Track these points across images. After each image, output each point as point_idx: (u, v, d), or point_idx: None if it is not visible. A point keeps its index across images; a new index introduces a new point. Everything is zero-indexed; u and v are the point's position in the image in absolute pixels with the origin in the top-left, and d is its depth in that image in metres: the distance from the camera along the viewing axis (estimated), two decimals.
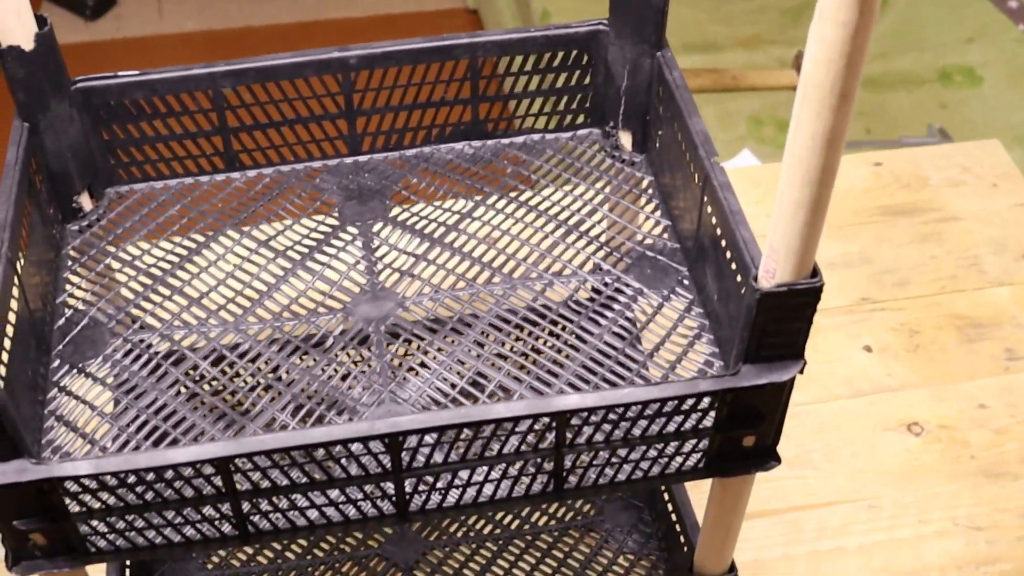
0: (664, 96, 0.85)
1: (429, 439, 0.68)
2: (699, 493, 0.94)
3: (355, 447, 0.68)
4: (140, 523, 0.69)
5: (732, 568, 0.86)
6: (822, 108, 0.56)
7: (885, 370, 1.14)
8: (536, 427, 0.69)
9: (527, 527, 1.03)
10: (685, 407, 0.70)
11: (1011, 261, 1.23)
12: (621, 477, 0.74)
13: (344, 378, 0.79)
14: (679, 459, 0.74)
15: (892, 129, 1.70)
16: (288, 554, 1.01)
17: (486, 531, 1.03)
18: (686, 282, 0.83)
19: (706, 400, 0.70)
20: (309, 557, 1.01)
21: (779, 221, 0.63)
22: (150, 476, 0.66)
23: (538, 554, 1.01)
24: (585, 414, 0.68)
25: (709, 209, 0.78)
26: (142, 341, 0.80)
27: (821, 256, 1.23)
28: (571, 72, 0.90)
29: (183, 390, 0.79)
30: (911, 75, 1.72)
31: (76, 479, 0.65)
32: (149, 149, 0.88)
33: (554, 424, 0.69)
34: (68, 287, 0.82)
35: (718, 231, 0.76)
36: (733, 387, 0.69)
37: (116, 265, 0.85)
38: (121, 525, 0.69)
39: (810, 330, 0.68)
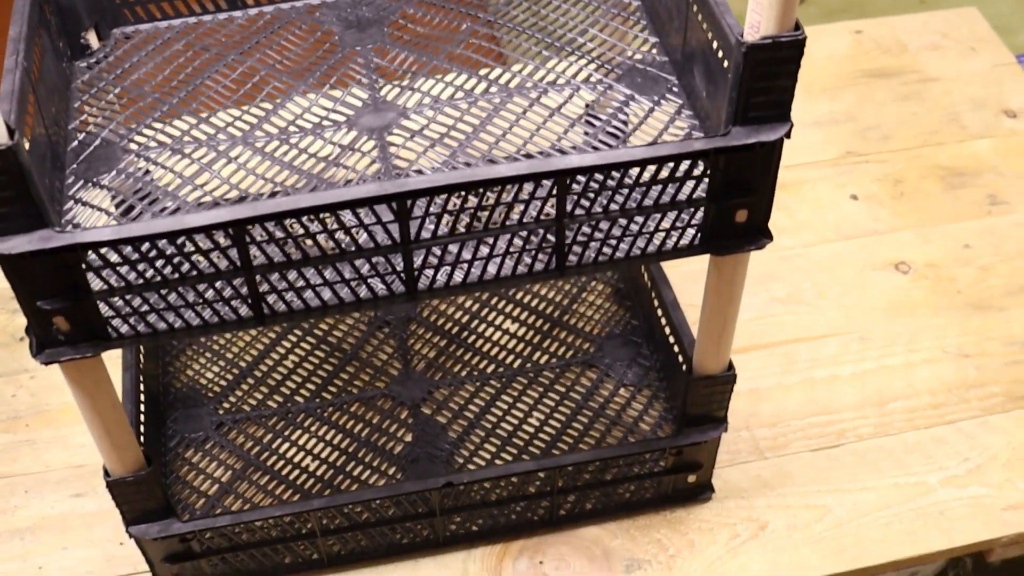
0: None
1: (436, 209, 0.71)
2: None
3: (366, 217, 0.71)
4: (159, 304, 0.72)
5: (730, 367, 0.89)
6: None
7: (871, 216, 1.18)
8: (538, 196, 0.72)
9: (528, 365, 1.06)
10: (680, 171, 0.73)
11: (991, 116, 1.26)
12: (619, 254, 0.77)
13: (347, 183, 0.81)
14: (675, 235, 0.77)
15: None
16: (297, 398, 1.04)
17: (489, 370, 1.06)
18: (675, 89, 0.86)
19: (700, 164, 0.73)
20: (318, 400, 1.04)
21: None
22: (169, 249, 0.69)
23: (540, 389, 1.04)
24: (585, 176, 0.71)
25: (695, 8, 0.81)
26: (154, 157, 0.83)
27: (806, 115, 1.27)
28: None
29: (193, 196, 0.82)
30: None
31: (98, 245, 0.67)
32: None
33: (555, 191, 0.72)
34: (79, 115, 0.85)
35: (704, 27, 0.79)
36: (725, 146, 0.72)
37: (125, 94, 0.88)
38: (141, 306, 0.72)
39: (795, 91, 0.71)
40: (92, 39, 0.90)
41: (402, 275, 0.74)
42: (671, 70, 0.87)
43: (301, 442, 1.01)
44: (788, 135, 0.73)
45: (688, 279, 1.04)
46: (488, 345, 1.08)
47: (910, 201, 1.19)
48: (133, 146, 0.83)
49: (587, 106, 0.86)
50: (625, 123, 0.86)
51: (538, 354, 1.07)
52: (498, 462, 0.99)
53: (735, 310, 0.84)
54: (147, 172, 0.82)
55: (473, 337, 1.08)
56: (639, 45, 0.90)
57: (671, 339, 1.00)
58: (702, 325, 0.86)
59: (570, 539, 0.96)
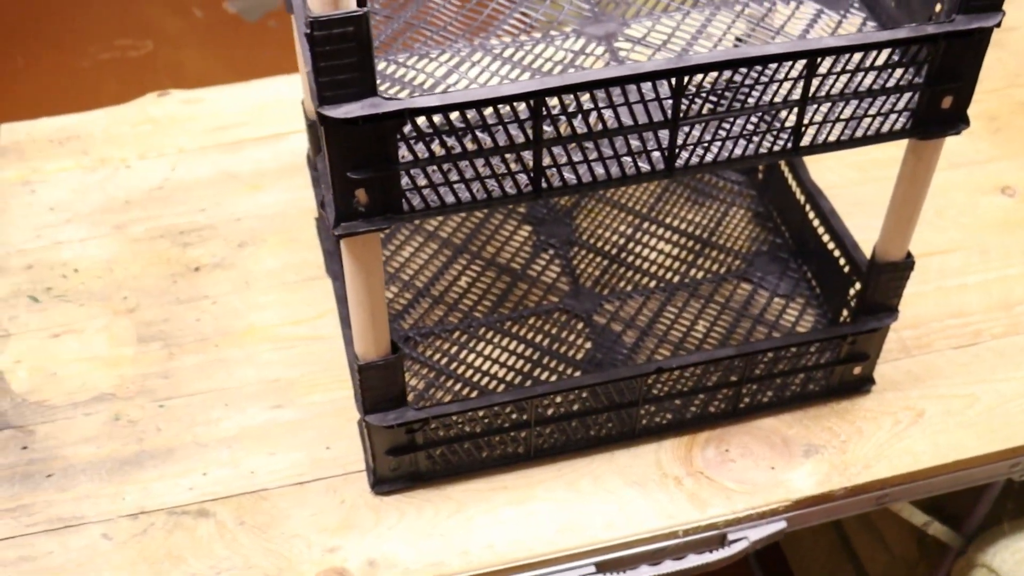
0: None
1: (709, 82, 0.79)
2: None
3: (641, 91, 0.79)
4: (453, 175, 0.79)
5: (909, 255, 0.98)
6: None
7: (973, 148, 1.28)
8: (789, 77, 0.80)
9: (687, 280, 1.14)
10: (909, 55, 0.82)
11: None
12: (845, 137, 0.86)
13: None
14: (892, 118, 0.86)
15: None
16: (476, 314, 1.11)
17: (651, 285, 1.14)
18: (857, 4, 0.96)
19: (926, 48, 0.82)
20: (496, 315, 1.11)
21: None
22: (475, 118, 0.76)
23: (701, 300, 1.12)
24: (833, 57, 0.80)
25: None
26: (403, 61, 0.90)
27: None
28: None
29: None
30: None
31: (424, 112, 0.74)
32: None
33: (805, 71, 0.80)
34: None
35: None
36: (952, 31, 0.81)
37: None
38: (437, 177, 0.79)
39: None
40: None
41: (665, 152, 0.82)
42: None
43: (487, 352, 1.08)
44: (999, 24, 0.83)
45: None
46: (646, 264, 1.16)
47: (1006, 134, 1.29)
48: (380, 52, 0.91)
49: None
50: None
51: (694, 271, 1.15)
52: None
53: (924, 197, 0.93)
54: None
55: (631, 257, 1.16)
56: None
57: (830, 245, 1.08)
58: (891, 212, 0.95)
59: (750, 430, 1.04)
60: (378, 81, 0.74)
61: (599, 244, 1.17)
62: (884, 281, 0.98)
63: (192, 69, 2.34)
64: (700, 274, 1.15)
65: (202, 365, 1.08)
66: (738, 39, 0.93)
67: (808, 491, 1.00)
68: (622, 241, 1.18)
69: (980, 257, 1.18)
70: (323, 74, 0.72)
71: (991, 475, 1.08)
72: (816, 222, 1.11)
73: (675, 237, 1.18)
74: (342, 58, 0.71)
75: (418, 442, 0.97)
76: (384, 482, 0.99)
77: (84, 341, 1.10)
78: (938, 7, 0.87)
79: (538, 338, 1.09)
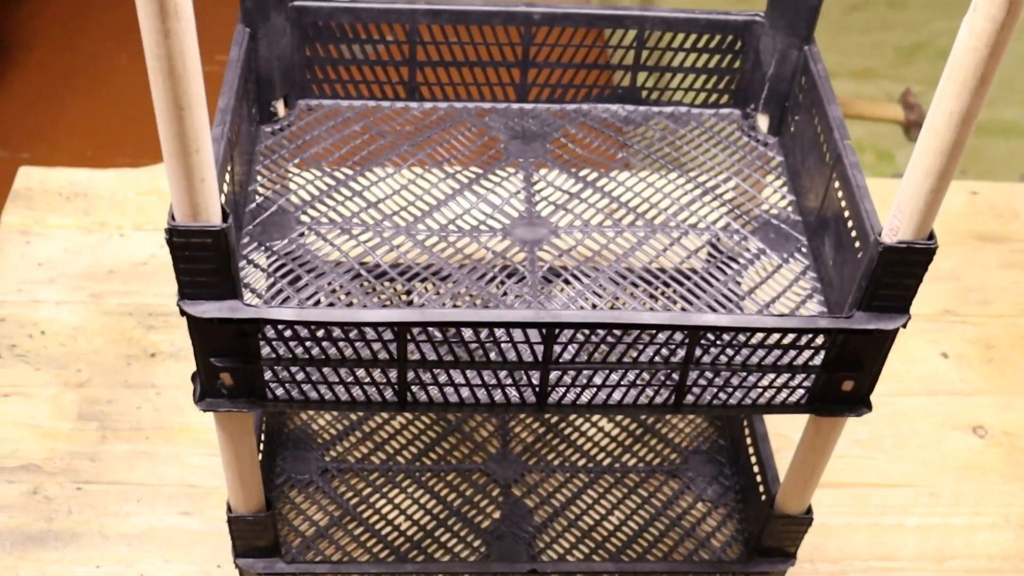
0: (806, 85, 0.95)
1: (580, 336, 0.79)
2: (780, 458, 1.04)
3: (515, 334, 0.79)
4: (316, 376, 0.80)
5: (809, 510, 0.95)
6: (963, 90, 0.67)
7: (959, 375, 1.24)
8: (673, 340, 0.79)
9: (617, 465, 1.13)
10: (802, 341, 0.80)
11: None
12: (732, 402, 0.84)
13: (500, 285, 0.89)
14: (785, 392, 0.83)
15: (986, 174, 1.79)
16: (399, 458, 1.12)
17: (580, 463, 1.13)
18: (804, 250, 0.93)
19: (821, 338, 0.79)
20: (417, 464, 1.12)
21: (908, 185, 0.73)
22: (337, 332, 0.77)
23: (624, 490, 1.11)
24: (717, 333, 0.78)
25: (837, 184, 0.88)
26: (323, 232, 0.91)
27: None
28: (723, 55, 1.00)
29: (357, 277, 0.90)
30: (1011, 124, 1.82)
31: (280, 323, 0.76)
32: (343, 70, 0.99)
33: (687, 340, 0.79)
34: (259, 178, 0.94)
35: (843, 203, 0.86)
36: (847, 328, 0.78)
37: (303, 165, 0.96)
38: (300, 376, 0.80)
39: (918, 289, 0.78)
40: (280, 108, 0.99)
41: (536, 388, 0.82)
42: (803, 230, 0.94)
43: (397, 501, 1.09)
44: (904, 326, 0.80)
45: None
46: (583, 440, 1.15)
47: (998, 367, 1.24)
48: (305, 219, 0.92)
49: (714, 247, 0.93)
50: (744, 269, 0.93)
51: (627, 456, 1.14)
52: (576, 553, 1.06)
53: (824, 464, 0.91)
54: (316, 245, 0.91)
55: (570, 430, 1.15)
56: (776, 200, 0.97)
57: (755, 469, 1.06)
58: (792, 471, 0.92)
59: None
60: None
61: None
62: (780, 531, 0.96)
63: None
64: (632, 461, 1.14)
65: (129, 455, 1.12)
66: (664, 285, 0.92)
67: None
68: None
69: (928, 499, 1.14)
70: (183, 274, 0.73)
71: None
72: (748, 441, 1.08)
73: (620, 418, 1.17)
74: (201, 263, 0.72)
75: None
76: None
77: (29, 407, 1.14)
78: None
79: (451, 496, 1.10)
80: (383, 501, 1.09)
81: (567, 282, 0.90)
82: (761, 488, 1.04)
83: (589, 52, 1.00)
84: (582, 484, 1.11)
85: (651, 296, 0.89)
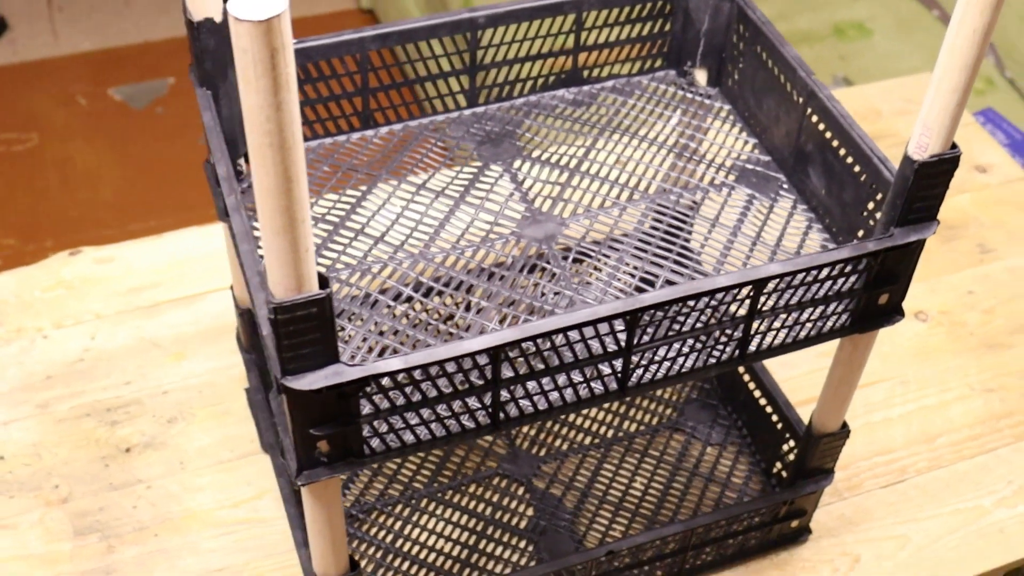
0: (747, 33, 0.99)
1: (659, 315, 0.81)
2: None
3: (597, 328, 0.80)
4: (414, 420, 0.79)
5: (845, 424, 1.01)
6: (985, 7, 0.72)
7: None
8: (738, 297, 0.82)
9: (621, 434, 1.16)
10: (848, 269, 0.84)
11: (965, 172, 1.43)
12: (789, 341, 0.88)
13: (535, 287, 0.90)
14: (833, 319, 0.88)
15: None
16: (416, 484, 1.11)
17: (586, 441, 1.15)
18: (786, 187, 0.98)
19: (864, 261, 0.84)
20: (436, 485, 1.11)
21: (935, 103, 0.78)
22: (435, 369, 0.76)
23: (637, 456, 1.14)
24: (777, 280, 0.82)
25: (815, 118, 0.92)
26: (343, 278, 0.90)
27: None
28: (655, 21, 1.03)
29: (396, 314, 0.89)
30: (810, 32, 1.93)
31: (387, 375, 0.74)
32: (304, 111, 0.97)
33: (751, 293, 0.82)
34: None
35: (827, 135, 0.91)
36: (892, 246, 0.83)
37: None
38: (398, 424, 0.79)
39: (945, 194, 0.84)
40: (244, 165, 0.96)
41: (619, 375, 0.83)
42: (776, 168, 0.99)
43: (430, 526, 1.08)
44: (935, 231, 0.86)
45: None
46: (580, 418, 1.17)
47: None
48: (320, 269, 0.90)
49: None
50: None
51: (627, 423, 1.17)
52: (617, 526, 1.08)
53: (858, 378, 0.96)
54: (340, 292, 0.89)
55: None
56: (740, 146, 1.01)
57: (762, 401, 1.11)
58: (828, 391, 0.97)
59: None
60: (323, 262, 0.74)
61: None
62: (821, 449, 1.01)
63: (81, 163, 2.28)
64: (633, 427, 1.17)
65: (142, 557, 1.06)
66: (684, 250, 0.94)
67: None
68: None
69: (902, 388, 1.22)
70: (286, 350, 0.71)
71: None
72: (746, 377, 1.13)
73: None
74: (305, 335, 0.70)
75: None
76: None
77: (17, 538, 1.07)
78: (871, 205, 0.90)
79: (480, 507, 1.10)
80: (417, 530, 1.08)
81: (596, 269, 0.91)
82: (775, 417, 1.09)
83: (532, 44, 1.01)
84: (597, 460, 1.14)
85: (677, 263, 0.92)
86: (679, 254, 0.93)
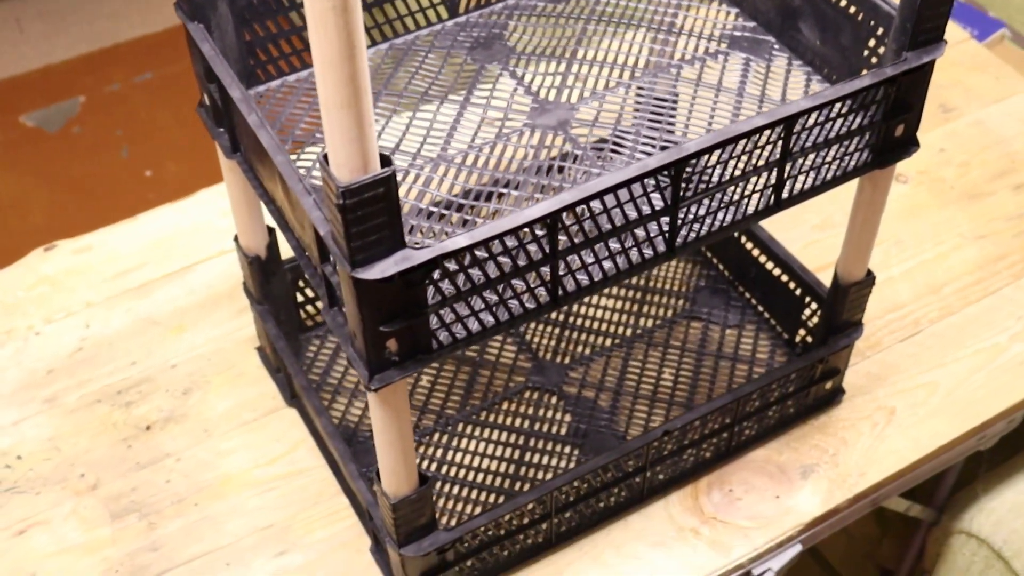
0: None
1: (701, 164, 0.81)
2: None
3: (644, 185, 0.80)
4: (479, 305, 0.78)
5: (869, 272, 1.02)
6: None
7: None
8: (770, 140, 0.82)
9: (640, 332, 1.16)
10: (868, 98, 0.85)
11: None
12: (819, 183, 0.88)
13: (560, 171, 0.89)
14: (856, 156, 0.89)
15: None
16: (448, 411, 1.10)
17: (607, 343, 1.15)
18: (776, 46, 0.99)
19: (882, 90, 0.85)
20: (468, 408, 1.10)
21: None
22: (496, 246, 0.75)
23: (660, 349, 1.14)
24: (806, 116, 0.83)
25: None
26: None
27: None
28: None
29: (437, 217, 0.87)
30: None
31: (454, 255, 0.73)
32: (284, 43, 0.95)
33: (782, 135, 0.83)
34: None
35: None
36: (909, 68, 0.85)
37: (298, 145, 0.92)
38: (463, 311, 0.78)
39: (950, 11, 0.85)
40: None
41: (666, 234, 0.83)
42: (764, 32, 1.00)
43: (472, 448, 1.07)
44: (943, 52, 0.87)
45: None
46: (596, 323, 1.17)
47: None
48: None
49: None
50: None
51: (643, 320, 1.17)
52: (655, 417, 1.08)
53: (879, 220, 0.97)
54: None
55: (580, 320, 1.17)
56: (723, 17, 1.02)
57: (775, 271, 1.12)
58: (851, 236, 0.98)
59: (746, 465, 1.07)
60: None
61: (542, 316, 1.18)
62: (850, 300, 1.02)
63: (6, 193, 2.22)
64: (649, 322, 1.17)
65: (187, 528, 1.04)
66: (695, 115, 0.95)
67: (815, 511, 1.04)
68: (564, 308, 1.18)
69: (897, 247, 1.24)
70: (355, 239, 0.69)
71: (963, 452, 1.14)
72: (756, 252, 1.14)
73: (615, 290, 1.20)
74: (373, 219, 0.69)
75: (449, 560, 0.95)
76: None
77: (53, 532, 1.03)
78: (871, 42, 0.91)
79: (517, 422, 1.09)
80: (460, 454, 1.07)
81: (615, 150, 0.91)
82: (792, 284, 1.10)
83: None
84: (621, 359, 1.14)
85: (693, 127, 0.92)
86: (691, 121, 0.93)
